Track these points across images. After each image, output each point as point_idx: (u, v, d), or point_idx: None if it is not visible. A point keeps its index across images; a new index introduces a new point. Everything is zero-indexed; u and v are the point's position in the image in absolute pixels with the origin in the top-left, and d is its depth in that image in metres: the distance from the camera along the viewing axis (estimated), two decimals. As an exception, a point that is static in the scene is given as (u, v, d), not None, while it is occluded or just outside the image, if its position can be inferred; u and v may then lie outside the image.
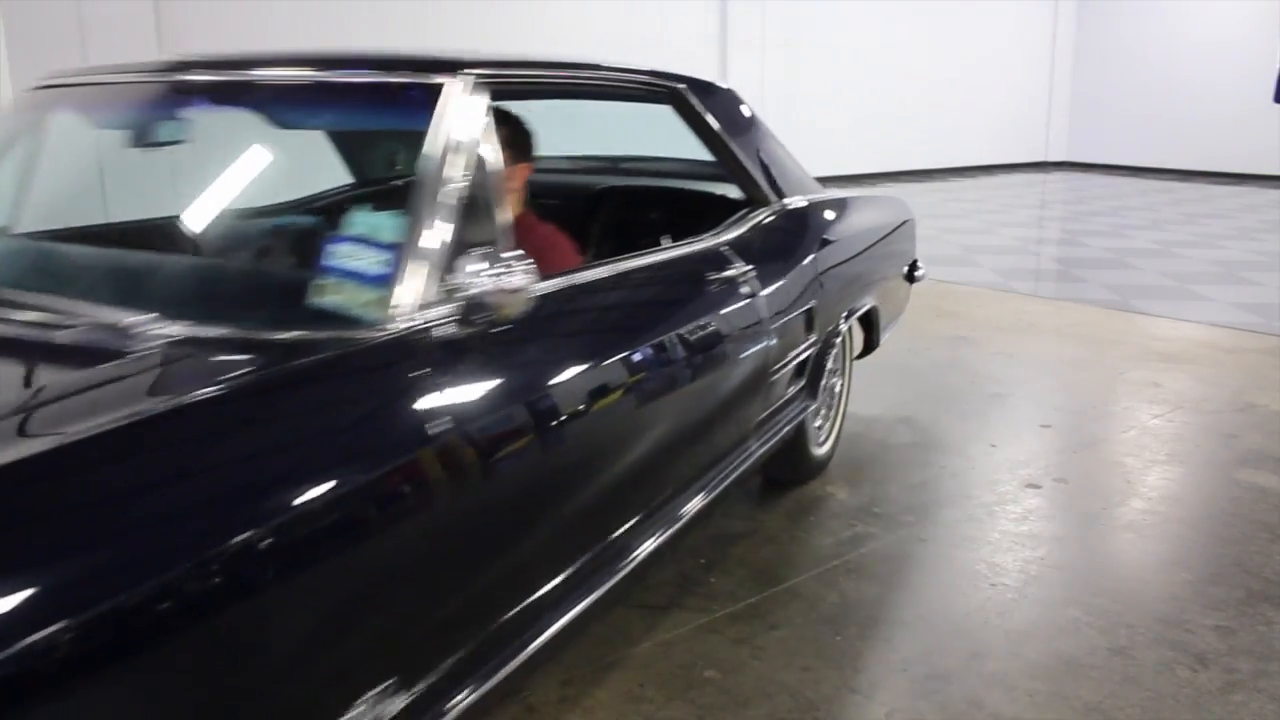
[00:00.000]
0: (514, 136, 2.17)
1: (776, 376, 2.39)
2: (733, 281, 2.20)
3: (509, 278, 1.44)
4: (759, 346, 2.26)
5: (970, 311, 5.28)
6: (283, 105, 1.94)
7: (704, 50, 10.50)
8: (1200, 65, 12.63)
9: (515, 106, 2.43)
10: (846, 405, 3.19)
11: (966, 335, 4.77)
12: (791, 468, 2.89)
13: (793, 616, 2.26)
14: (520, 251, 1.49)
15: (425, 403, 1.34)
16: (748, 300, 2.23)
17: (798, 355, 2.52)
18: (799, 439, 2.74)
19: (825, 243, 2.72)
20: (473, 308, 1.43)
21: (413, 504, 1.29)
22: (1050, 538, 2.64)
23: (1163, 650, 2.11)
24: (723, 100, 2.60)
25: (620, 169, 3.42)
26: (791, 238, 2.62)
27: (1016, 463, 3.15)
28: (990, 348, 4.57)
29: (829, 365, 2.83)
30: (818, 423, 2.97)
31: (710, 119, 2.46)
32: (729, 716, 1.90)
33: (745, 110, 2.72)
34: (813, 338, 2.60)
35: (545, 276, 1.66)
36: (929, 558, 2.55)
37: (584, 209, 2.92)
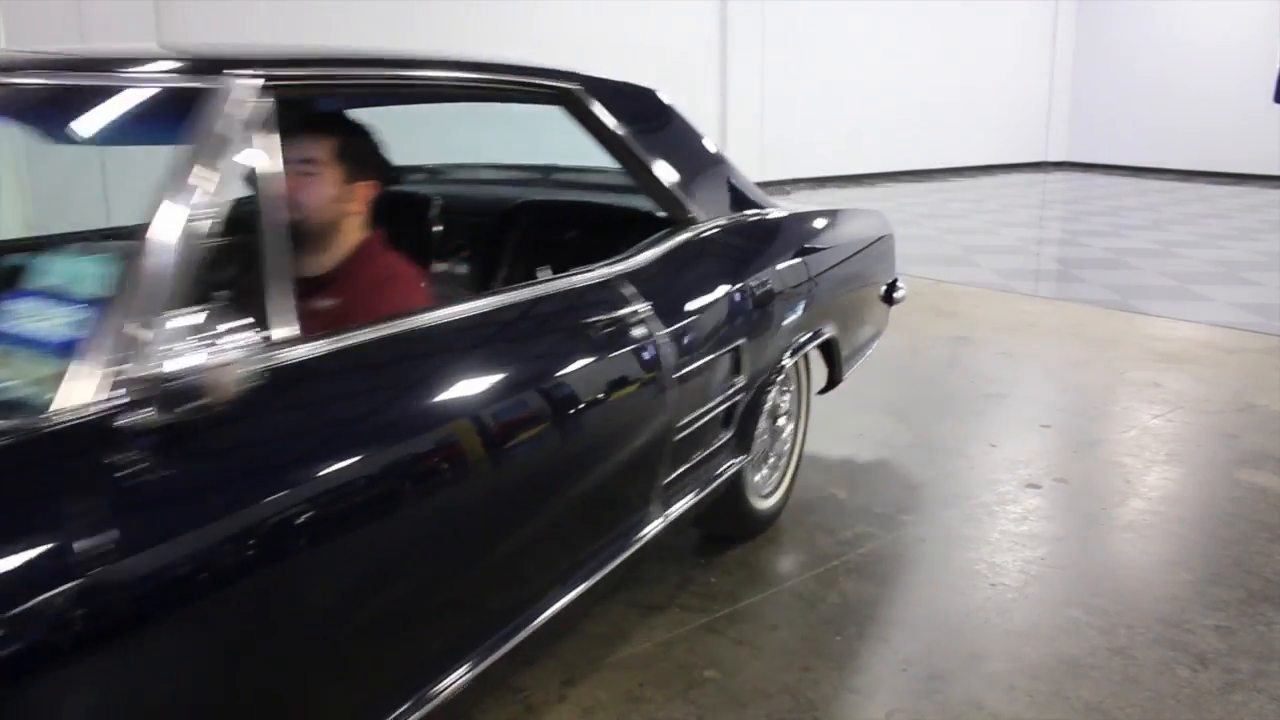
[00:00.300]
0: (352, 149, 1.87)
1: (688, 431, 2.02)
2: (620, 322, 1.82)
3: (223, 349, 1.10)
4: (656, 400, 1.89)
5: (970, 311, 5.28)
6: (20, 114, 1.57)
7: (704, 52, 10.51)
8: (1200, 65, 12.64)
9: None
10: (802, 448, 2.84)
11: (966, 335, 4.77)
12: (728, 524, 2.54)
13: (793, 616, 2.26)
14: (249, 319, 1.15)
15: (91, 518, 1.01)
16: (640, 344, 1.85)
17: (720, 403, 2.16)
18: (735, 494, 2.40)
19: (761, 268, 2.35)
20: (177, 388, 1.07)
21: (49, 666, 0.97)
22: (1050, 538, 2.64)
23: (1163, 650, 2.11)
24: (635, 103, 2.25)
25: (552, 180, 2.99)
26: (713, 264, 2.24)
27: (1016, 463, 3.15)
28: (990, 348, 4.57)
29: (768, 408, 2.47)
30: (763, 471, 2.63)
31: (615, 125, 2.10)
32: (729, 716, 1.90)
33: (668, 114, 2.36)
34: (740, 381, 2.22)
35: (342, 330, 1.37)
36: (929, 558, 2.55)
37: (496, 227, 2.50)
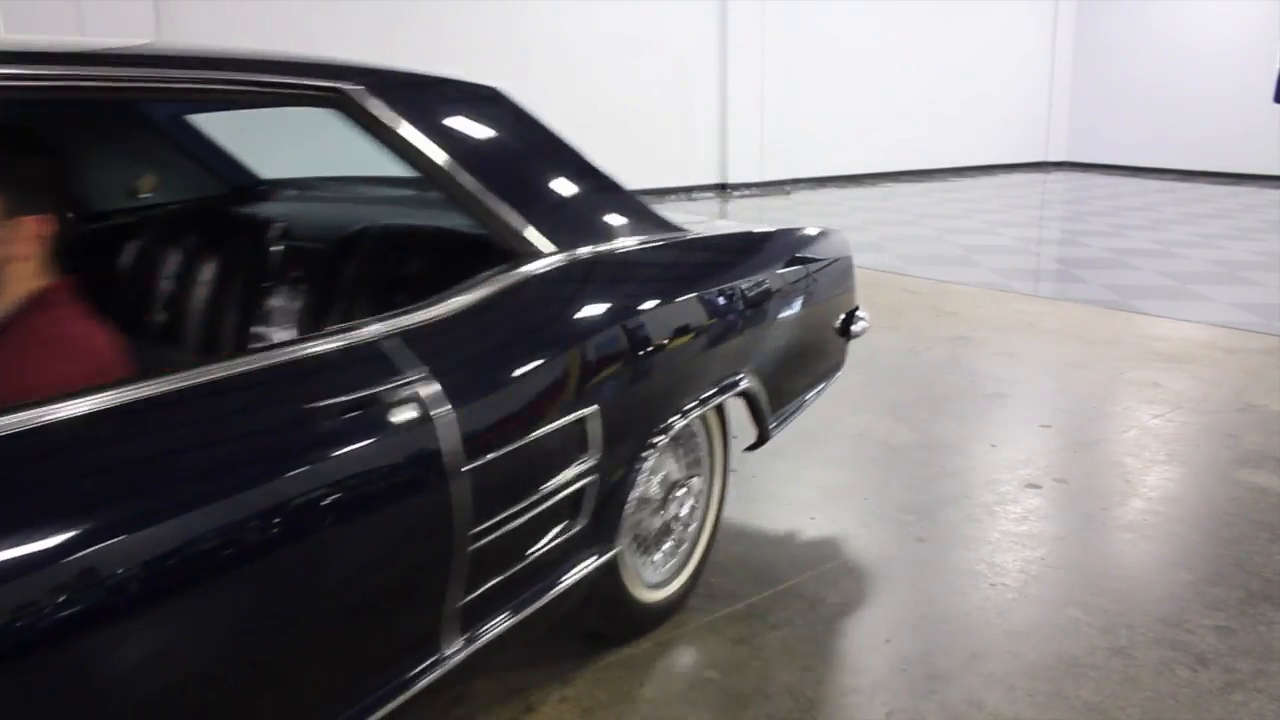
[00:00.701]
0: (10, 175, 1.46)
1: (498, 534, 1.56)
2: (375, 402, 1.36)
3: None
4: (433, 500, 1.44)
5: (970, 311, 5.28)
6: None
7: (703, 51, 10.52)
8: (1200, 65, 12.64)
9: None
10: (718, 520, 2.38)
11: (966, 335, 4.77)
12: (602, 621, 2.10)
13: (793, 616, 2.26)
14: None
15: None
16: (407, 429, 1.38)
17: (555, 490, 1.69)
18: (611, 586, 1.98)
19: (631, 310, 1.86)
20: None
21: None
22: (1050, 538, 2.64)
23: (1163, 650, 2.11)
24: (455, 107, 1.79)
25: (429, 200, 2.43)
26: (550, 310, 1.76)
27: (1016, 463, 3.15)
28: (990, 348, 4.57)
29: (651, 481, 2.08)
30: (656, 556, 2.19)
31: (413, 135, 1.64)
32: (729, 716, 1.91)
33: (510, 120, 1.91)
34: (590, 460, 1.75)
35: None
36: (929, 557, 2.55)
37: (336, 255, 2.07)
